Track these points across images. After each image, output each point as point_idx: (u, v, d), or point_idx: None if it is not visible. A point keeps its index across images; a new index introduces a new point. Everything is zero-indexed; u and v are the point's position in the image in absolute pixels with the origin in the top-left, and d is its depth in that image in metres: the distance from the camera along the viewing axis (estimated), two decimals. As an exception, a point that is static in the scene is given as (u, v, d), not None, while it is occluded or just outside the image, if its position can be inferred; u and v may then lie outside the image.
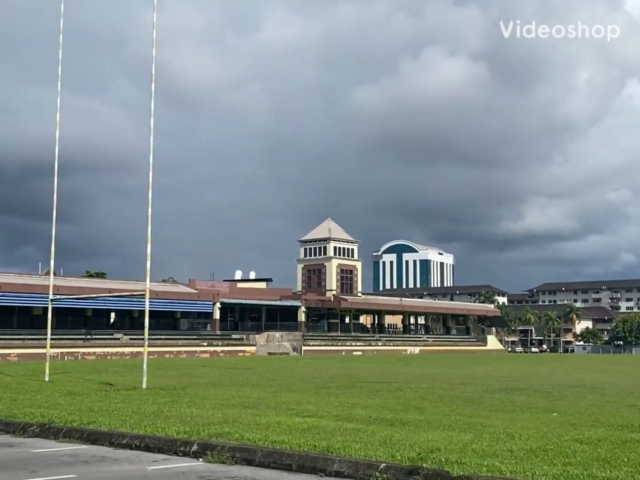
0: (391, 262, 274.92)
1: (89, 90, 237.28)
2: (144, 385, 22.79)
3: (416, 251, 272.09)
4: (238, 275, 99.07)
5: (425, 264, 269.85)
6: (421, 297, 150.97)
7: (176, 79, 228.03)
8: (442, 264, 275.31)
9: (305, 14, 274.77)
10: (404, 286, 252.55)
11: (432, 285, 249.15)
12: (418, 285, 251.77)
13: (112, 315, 73.10)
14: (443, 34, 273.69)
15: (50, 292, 26.09)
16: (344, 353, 79.91)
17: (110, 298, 60.76)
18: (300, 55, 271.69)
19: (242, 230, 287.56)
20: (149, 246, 22.98)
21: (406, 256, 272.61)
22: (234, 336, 75.24)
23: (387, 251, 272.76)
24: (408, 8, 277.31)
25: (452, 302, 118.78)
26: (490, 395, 21.95)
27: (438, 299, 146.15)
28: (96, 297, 26.74)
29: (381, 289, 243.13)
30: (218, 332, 74.40)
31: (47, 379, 26.36)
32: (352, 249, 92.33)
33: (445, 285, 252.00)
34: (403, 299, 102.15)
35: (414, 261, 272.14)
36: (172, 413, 15.67)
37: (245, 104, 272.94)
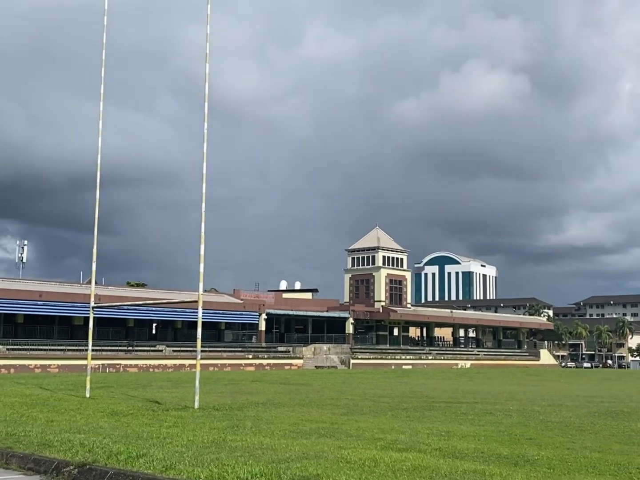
0: (433, 274, 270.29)
1: (132, 105, 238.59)
2: (196, 405, 20.07)
3: (459, 263, 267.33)
4: (283, 285, 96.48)
5: (468, 276, 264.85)
6: (465, 310, 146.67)
7: (218, 93, 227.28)
8: (484, 276, 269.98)
9: (346, 29, 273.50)
10: (447, 298, 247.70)
11: (474, 298, 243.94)
12: (461, 298, 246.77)
13: (154, 326, 70.96)
14: (484, 47, 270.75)
15: (92, 299, 23.61)
16: (393, 367, 76.66)
17: (153, 308, 58.78)
18: (341, 69, 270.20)
19: (283, 242, 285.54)
20: (202, 247, 20.34)
21: (448, 268, 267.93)
22: (279, 348, 72.49)
23: (429, 263, 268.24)
24: (449, 21, 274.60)
25: (503, 315, 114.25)
26: (600, 420, 18.73)
27: (482, 312, 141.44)
28: (142, 304, 24.41)
29: (423, 301, 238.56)
30: (263, 344, 71.70)
31: (87, 394, 23.86)
32: (402, 259, 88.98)
33: (488, 297, 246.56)
34: (454, 310, 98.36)
35: (457, 273, 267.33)
36: (237, 443, 12.89)
37: (286, 117, 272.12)
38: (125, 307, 51.24)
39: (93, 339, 24.85)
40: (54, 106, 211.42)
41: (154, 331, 70.21)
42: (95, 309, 24.29)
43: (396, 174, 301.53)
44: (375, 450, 12.30)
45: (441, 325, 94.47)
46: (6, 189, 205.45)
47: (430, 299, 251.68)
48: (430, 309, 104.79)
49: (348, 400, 24.52)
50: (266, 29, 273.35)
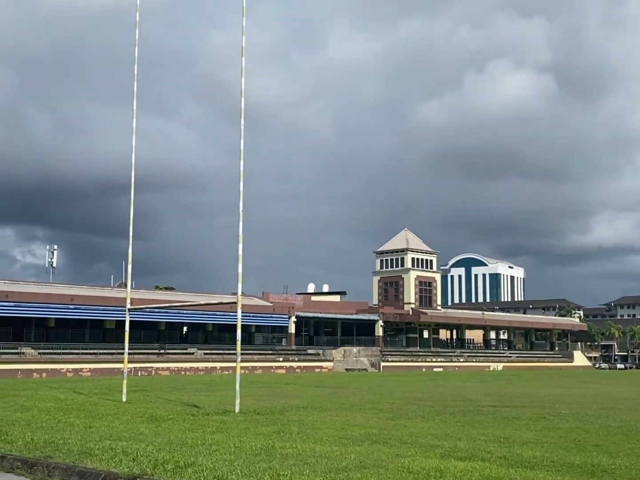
0: (459, 276, 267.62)
1: (157, 110, 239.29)
2: (237, 409, 19.44)
3: (485, 265, 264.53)
4: (311, 288, 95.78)
5: (495, 278, 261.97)
6: (493, 312, 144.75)
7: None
8: (512, 277, 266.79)
9: (369, 31, 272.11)
10: (473, 300, 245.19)
11: (502, 300, 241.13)
12: (488, 300, 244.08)
13: (185, 329, 70.61)
14: (508, 47, 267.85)
15: (128, 301, 23.08)
16: (424, 369, 75.60)
17: (185, 311, 58.41)
18: (364, 72, 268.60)
19: (307, 245, 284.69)
20: (240, 246, 19.72)
21: (475, 270, 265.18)
22: (309, 351, 71.80)
23: (455, 265, 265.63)
24: (472, 21, 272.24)
25: (536, 316, 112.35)
26: (662, 425, 17.74)
27: (511, 313, 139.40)
28: (179, 306, 23.76)
29: (449, 303, 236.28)
30: (293, 347, 71.06)
31: (124, 399, 23.33)
32: (431, 260, 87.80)
33: (516, 299, 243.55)
34: (485, 312, 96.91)
35: (484, 275, 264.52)
36: (288, 450, 12.18)
37: (309, 120, 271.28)
38: (157, 310, 50.92)
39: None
40: (81, 113, 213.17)
41: (184, 332, 69.84)
42: (131, 311, 23.77)
43: (420, 176, 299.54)
44: (436, 458, 11.53)
45: (472, 327, 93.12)
46: (35, 196, 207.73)
47: (457, 301, 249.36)
48: (460, 310, 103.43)
49: (390, 404, 23.73)
50: (289, 33, 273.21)
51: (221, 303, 21.29)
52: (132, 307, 23.42)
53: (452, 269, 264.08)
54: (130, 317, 24.25)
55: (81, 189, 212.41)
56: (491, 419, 18.86)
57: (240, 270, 19.60)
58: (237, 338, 19.31)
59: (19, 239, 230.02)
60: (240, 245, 19.72)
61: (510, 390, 35.09)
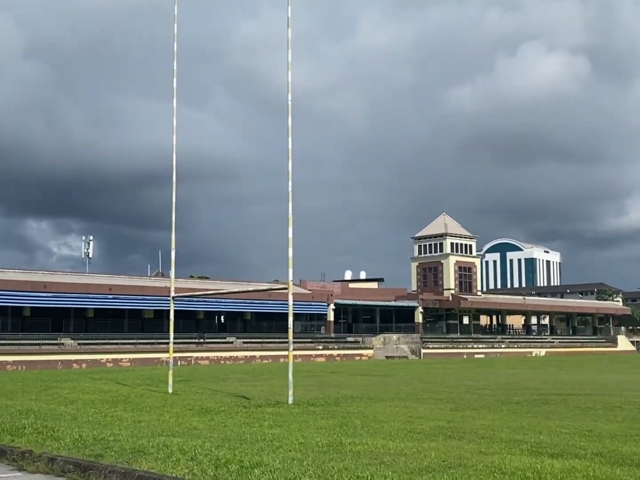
0: (494, 262, 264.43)
1: (189, 101, 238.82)
2: (290, 400, 18.46)
3: (521, 250, 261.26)
4: (348, 275, 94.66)
5: (531, 263, 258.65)
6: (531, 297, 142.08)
7: (273, 87, 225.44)
8: (548, 262, 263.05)
9: (399, 18, 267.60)
10: (509, 286, 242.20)
11: (538, 285, 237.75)
12: (523, 285, 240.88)
13: (221, 317, 70.08)
14: (540, 29, 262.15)
15: (172, 290, 22.21)
16: (465, 356, 74.19)
17: (223, 300, 57.77)
18: (395, 58, 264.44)
19: (341, 233, 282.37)
20: (290, 229, 18.66)
21: (510, 255, 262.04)
22: (349, 339, 70.79)
23: (490, 250, 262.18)
24: (503, 3, 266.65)
25: (578, 301, 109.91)
26: None
27: (548, 298, 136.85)
28: (225, 292, 22.97)
29: (485, 289, 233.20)
30: (332, 335, 70.08)
31: (170, 390, 22.53)
32: (470, 245, 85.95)
33: (552, 284, 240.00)
34: (526, 297, 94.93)
35: (519, 260, 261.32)
36: (358, 447, 11.14)
37: (339, 109, 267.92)
38: (195, 298, 50.31)
39: (166, 331, 23.53)
40: (115, 105, 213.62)
41: (222, 320, 69.24)
42: (175, 298, 22.91)
43: (453, 162, 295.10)
44: (525, 456, 10.38)
45: (512, 312, 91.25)
46: (70, 188, 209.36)
47: (492, 286, 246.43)
48: (501, 296, 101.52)
49: (447, 393, 22.57)
50: (319, 21, 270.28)
51: (271, 289, 20.42)
52: (176, 295, 22.54)
53: (487, 255, 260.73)
54: (178, 306, 23.43)
55: (115, 181, 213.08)
56: (562, 408, 17.63)
57: (290, 254, 18.56)
58: (289, 326, 18.31)
59: (54, 232, 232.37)
60: (290, 229, 18.69)
61: (566, 377, 33.66)
